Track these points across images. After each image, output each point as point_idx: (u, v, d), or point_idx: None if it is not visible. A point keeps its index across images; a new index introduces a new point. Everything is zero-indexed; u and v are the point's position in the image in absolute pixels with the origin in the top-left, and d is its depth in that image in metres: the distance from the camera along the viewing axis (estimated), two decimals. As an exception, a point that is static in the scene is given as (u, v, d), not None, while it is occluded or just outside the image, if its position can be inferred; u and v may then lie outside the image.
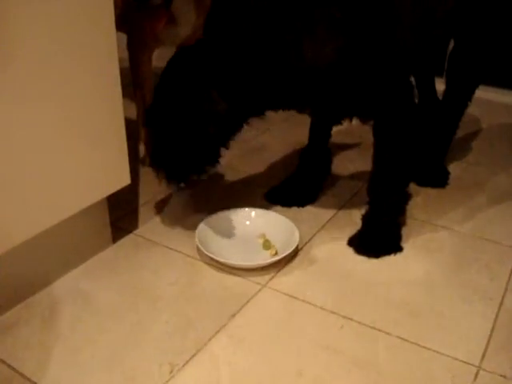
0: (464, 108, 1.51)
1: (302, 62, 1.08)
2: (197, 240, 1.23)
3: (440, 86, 1.49)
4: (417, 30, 1.14)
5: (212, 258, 1.20)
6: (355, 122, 1.25)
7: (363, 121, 1.21)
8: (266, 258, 1.22)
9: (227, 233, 1.29)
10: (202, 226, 1.27)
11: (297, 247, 1.24)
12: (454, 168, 1.61)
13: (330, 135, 1.42)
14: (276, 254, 1.22)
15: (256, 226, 1.30)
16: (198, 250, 1.24)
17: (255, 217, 1.33)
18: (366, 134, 1.24)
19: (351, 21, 1.06)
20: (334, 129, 1.41)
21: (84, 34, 1.03)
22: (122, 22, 1.46)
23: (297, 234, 1.24)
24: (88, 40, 1.04)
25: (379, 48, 1.09)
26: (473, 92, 1.49)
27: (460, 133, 1.59)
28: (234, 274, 1.19)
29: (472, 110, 1.55)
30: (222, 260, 1.19)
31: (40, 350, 1.01)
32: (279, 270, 1.20)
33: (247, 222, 1.32)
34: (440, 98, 1.55)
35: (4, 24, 0.89)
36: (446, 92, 1.49)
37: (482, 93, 1.67)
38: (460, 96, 1.49)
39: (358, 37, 1.07)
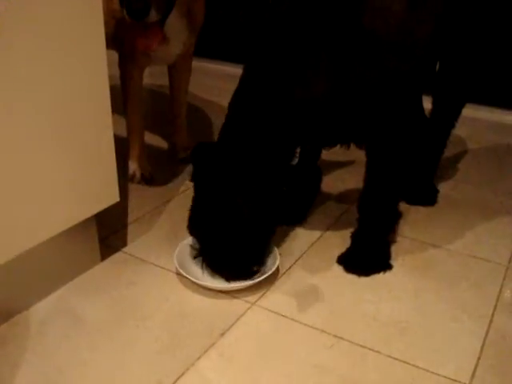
0: (451, 127, 1.52)
1: (297, 106, 1.10)
2: (176, 262, 1.21)
3: (427, 104, 1.51)
4: (400, 54, 1.15)
5: (193, 281, 1.19)
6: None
7: (359, 146, 1.22)
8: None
9: None
10: (180, 249, 1.25)
11: (277, 267, 1.23)
12: (442, 186, 1.61)
13: (320, 154, 1.43)
14: None
15: None
16: (178, 272, 1.23)
17: None
18: (358, 151, 1.24)
19: (335, 61, 1.07)
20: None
21: (74, 52, 1.03)
22: (114, 40, 1.47)
23: (277, 255, 1.24)
24: (78, 57, 1.04)
25: (364, 80, 1.10)
26: (460, 111, 1.50)
27: (448, 151, 1.60)
28: (224, 293, 1.18)
29: (460, 128, 1.56)
30: (200, 283, 1.18)
31: (27, 367, 0.99)
32: (268, 289, 1.20)
33: None
34: (427, 116, 1.56)
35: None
36: (432, 111, 1.50)
37: (470, 111, 1.68)
38: (447, 115, 1.50)
39: (344, 72, 1.08)
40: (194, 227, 1.21)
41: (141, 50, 1.37)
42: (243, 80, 1.15)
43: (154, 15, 1.28)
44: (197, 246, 1.21)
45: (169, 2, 1.34)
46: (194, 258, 1.22)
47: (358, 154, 1.27)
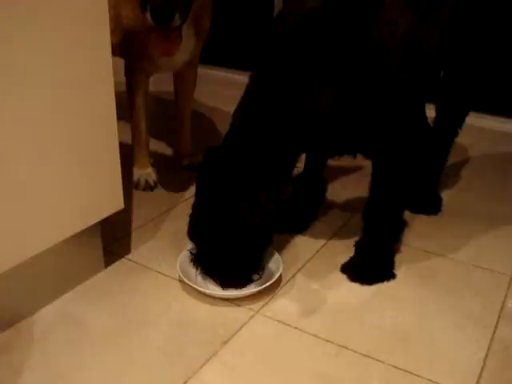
0: (455, 135, 1.52)
1: (306, 116, 1.10)
2: (179, 270, 1.21)
3: (431, 112, 1.51)
4: (407, 66, 1.15)
5: (195, 289, 1.19)
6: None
7: (365, 156, 1.22)
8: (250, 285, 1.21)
9: None
10: (183, 256, 1.25)
11: (281, 275, 1.23)
12: (446, 195, 1.61)
13: (325, 164, 1.43)
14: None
15: None
16: (181, 280, 1.23)
17: None
18: (363, 158, 1.25)
19: (343, 73, 1.08)
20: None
21: (79, 59, 1.04)
22: (121, 47, 1.48)
23: (280, 263, 1.24)
24: (83, 64, 1.05)
25: (372, 91, 1.10)
26: (463, 119, 1.50)
27: (451, 160, 1.61)
28: (227, 301, 1.18)
29: (464, 137, 1.56)
30: (203, 290, 1.18)
31: (30, 374, 0.99)
32: (272, 297, 1.20)
33: None
34: (431, 124, 1.56)
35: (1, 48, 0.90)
36: (436, 119, 1.50)
37: (473, 119, 1.68)
38: (451, 123, 1.50)
39: (352, 84, 1.08)
40: (194, 232, 1.21)
41: (161, 55, 1.36)
42: (250, 89, 1.15)
43: (177, 20, 1.27)
44: (195, 250, 1.22)
45: (188, 7, 1.34)
46: (191, 261, 1.22)
47: (364, 161, 1.26)
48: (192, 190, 1.55)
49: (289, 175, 1.18)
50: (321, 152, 1.27)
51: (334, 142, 1.17)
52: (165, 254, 1.34)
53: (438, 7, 1.17)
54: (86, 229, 1.15)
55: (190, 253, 1.23)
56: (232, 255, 1.16)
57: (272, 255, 1.26)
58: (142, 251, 1.35)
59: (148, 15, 1.26)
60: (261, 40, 1.18)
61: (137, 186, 1.64)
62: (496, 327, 1.13)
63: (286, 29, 1.12)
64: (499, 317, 1.16)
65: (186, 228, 1.42)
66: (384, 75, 1.10)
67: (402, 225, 1.31)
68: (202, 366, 1.02)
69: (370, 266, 1.27)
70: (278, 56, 1.11)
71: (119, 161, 1.18)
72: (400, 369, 1.02)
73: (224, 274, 1.19)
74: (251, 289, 1.19)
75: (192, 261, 1.22)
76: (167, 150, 1.89)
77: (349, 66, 1.07)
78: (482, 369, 1.03)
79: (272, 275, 1.21)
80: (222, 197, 1.12)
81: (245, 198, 1.11)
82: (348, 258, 1.30)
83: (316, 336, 1.10)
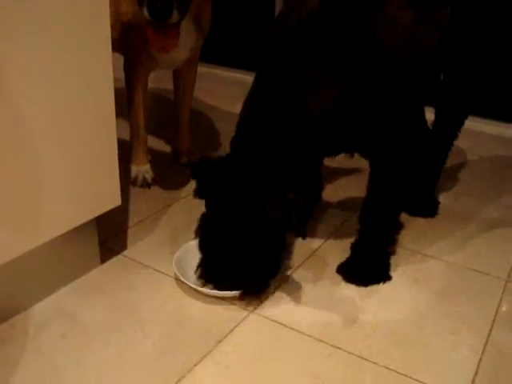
0: (453, 138, 1.52)
1: (310, 116, 1.10)
2: (175, 268, 1.21)
3: (430, 115, 1.51)
4: (407, 68, 1.16)
5: (191, 287, 1.18)
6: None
7: (363, 155, 1.22)
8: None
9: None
10: (179, 254, 1.25)
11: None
12: (443, 198, 1.61)
13: (322, 162, 1.42)
14: None
15: None
16: (177, 277, 1.22)
17: None
18: (360, 159, 1.25)
19: (346, 72, 1.08)
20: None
21: (79, 55, 1.04)
22: (120, 43, 1.47)
23: None
24: (83, 60, 1.05)
25: (374, 91, 1.10)
26: (462, 123, 1.50)
27: (450, 163, 1.61)
28: (222, 300, 1.18)
29: (462, 140, 1.57)
30: (199, 289, 1.18)
31: (24, 369, 0.99)
32: (267, 297, 1.20)
33: None
34: (430, 127, 1.56)
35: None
36: (435, 122, 1.50)
37: (472, 124, 1.68)
38: (449, 127, 1.50)
39: (355, 84, 1.09)
40: (207, 244, 1.18)
41: (158, 51, 1.36)
42: (254, 89, 1.15)
43: (175, 16, 1.26)
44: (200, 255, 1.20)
45: (186, 4, 1.33)
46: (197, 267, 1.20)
47: (361, 162, 1.27)
48: (189, 187, 1.56)
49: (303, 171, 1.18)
50: (321, 152, 1.26)
51: (335, 140, 1.17)
52: (161, 251, 1.34)
53: (439, 8, 1.18)
54: (82, 224, 1.15)
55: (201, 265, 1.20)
56: (253, 258, 1.14)
57: None
58: (138, 248, 1.35)
59: (145, 11, 1.25)
60: (262, 40, 1.17)
61: (134, 182, 1.64)
62: (490, 331, 1.13)
63: (288, 28, 1.12)
64: (494, 321, 1.16)
65: (183, 225, 1.43)
66: (385, 73, 1.10)
67: (397, 227, 1.31)
68: (195, 365, 1.02)
69: (366, 267, 1.27)
70: (281, 56, 1.11)
71: (117, 157, 1.18)
72: (393, 370, 1.02)
73: (243, 278, 1.16)
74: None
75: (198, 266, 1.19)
76: (165, 147, 1.89)
77: (352, 64, 1.08)
78: (476, 373, 1.03)
79: None
80: (242, 202, 1.11)
81: (269, 198, 1.10)
82: (344, 259, 1.30)
83: (310, 336, 1.10)
